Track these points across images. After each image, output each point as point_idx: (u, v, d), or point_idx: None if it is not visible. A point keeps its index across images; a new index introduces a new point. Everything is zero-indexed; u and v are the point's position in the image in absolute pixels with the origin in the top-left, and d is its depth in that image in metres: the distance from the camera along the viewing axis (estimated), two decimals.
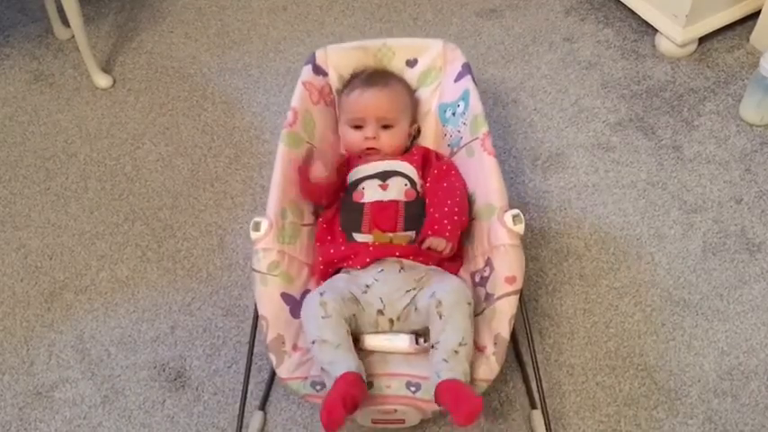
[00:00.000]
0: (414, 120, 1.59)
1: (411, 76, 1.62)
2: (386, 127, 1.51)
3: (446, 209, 1.39)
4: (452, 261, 1.40)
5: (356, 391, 1.15)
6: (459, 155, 1.51)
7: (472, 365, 1.24)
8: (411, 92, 1.61)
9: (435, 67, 1.61)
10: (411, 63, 1.62)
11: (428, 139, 1.62)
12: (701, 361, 1.47)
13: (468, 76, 1.55)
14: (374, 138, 1.49)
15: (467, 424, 1.12)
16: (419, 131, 1.61)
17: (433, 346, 1.22)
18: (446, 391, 1.16)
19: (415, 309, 1.28)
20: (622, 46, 2.05)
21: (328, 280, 1.36)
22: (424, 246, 1.36)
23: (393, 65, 1.62)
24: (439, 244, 1.35)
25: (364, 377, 1.19)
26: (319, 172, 1.41)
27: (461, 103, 1.54)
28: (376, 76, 1.55)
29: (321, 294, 1.26)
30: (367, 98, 1.50)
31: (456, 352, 1.19)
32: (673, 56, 2.01)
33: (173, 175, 1.83)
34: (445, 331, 1.21)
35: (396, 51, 1.62)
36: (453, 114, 1.56)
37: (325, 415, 1.12)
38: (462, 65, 1.57)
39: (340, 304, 1.25)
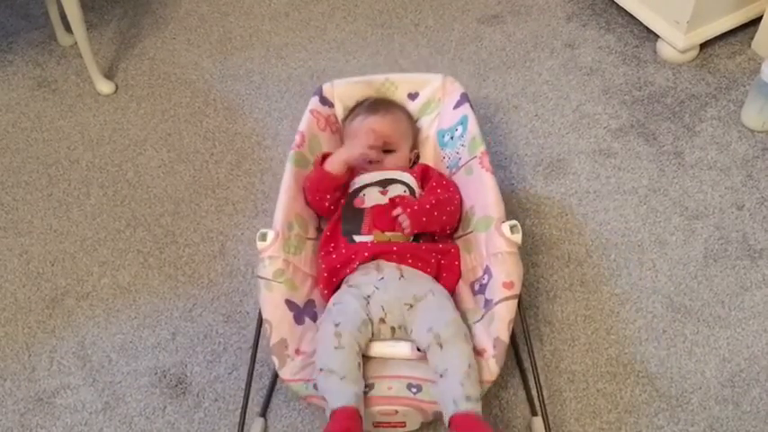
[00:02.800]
0: (414, 145, 1.64)
1: (412, 107, 1.68)
2: (388, 151, 1.56)
3: (432, 200, 1.45)
4: (450, 273, 1.44)
5: (352, 425, 1.17)
6: (459, 174, 1.56)
7: None
8: (411, 118, 1.66)
9: (435, 99, 1.67)
10: (412, 96, 1.68)
11: (427, 163, 1.66)
12: (702, 368, 1.47)
13: (467, 104, 1.60)
14: (378, 162, 1.55)
15: None
16: (418, 157, 1.66)
17: (441, 375, 1.22)
18: (462, 422, 1.17)
19: (411, 332, 1.30)
20: (624, 52, 2.05)
21: (336, 300, 1.36)
22: (394, 212, 1.43)
23: (395, 98, 1.68)
24: (404, 220, 1.41)
25: (362, 412, 1.20)
26: (338, 161, 1.48)
27: (459, 128, 1.59)
28: (378, 104, 1.61)
29: (336, 326, 1.27)
30: (370, 124, 1.56)
31: (468, 374, 1.21)
32: (674, 62, 2.01)
33: (174, 182, 1.84)
34: (452, 358, 1.22)
35: (398, 85, 1.68)
36: (452, 138, 1.61)
37: None
38: (461, 95, 1.62)
39: (356, 335, 1.26)
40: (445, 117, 1.64)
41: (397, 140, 1.57)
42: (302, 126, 1.59)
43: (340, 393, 1.20)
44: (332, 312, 1.32)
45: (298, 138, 1.56)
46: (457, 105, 1.61)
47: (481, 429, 1.16)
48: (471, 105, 1.60)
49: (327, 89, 1.66)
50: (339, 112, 1.67)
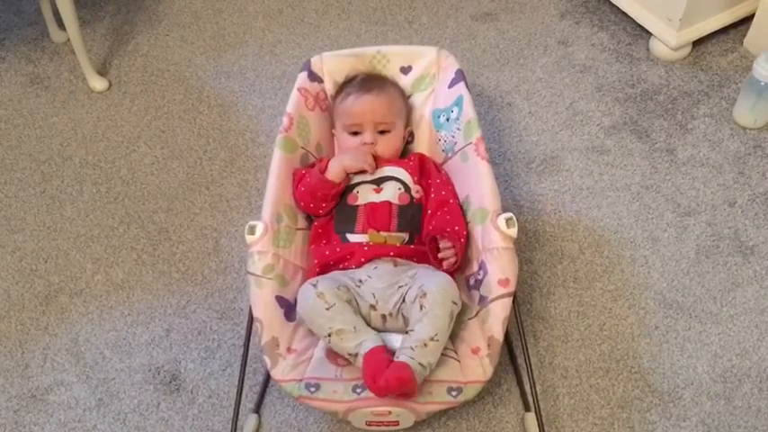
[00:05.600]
0: (407, 123, 1.60)
1: (405, 82, 1.63)
2: (383, 132, 1.52)
3: (456, 227, 1.40)
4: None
5: (389, 360, 1.20)
6: (454, 160, 1.52)
7: (466, 367, 1.26)
8: (404, 95, 1.61)
9: (429, 74, 1.62)
10: (405, 70, 1.63)
11: (422, 145, 1.63)
12: (694, 363, 1.48)
13: (462, 83, 1.56)
14: (373, 143, 1.51)
15: (379, 393, 1.17)
16: (412, 135, 1.62)
17: (407, 332, 1.25)
18: (392, 370, 1.18)
19: (403, 301, 1.30)
20: (617, 49, 2.06)
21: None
22: (441, 245, 1.37)
23: (387, 72, 1.63)
24: (452, 255, 1.36)
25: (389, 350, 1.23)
26: (338, 168, 1.44)
27: (455, 109, 1.55)
28: (370, 82, 1.55)
29: (314, 286, 1.28)
30: (363, 104, 1.51)
31: (425, 345, 1.21)
32: (667, 59, 2.01)
33: (168, 179, 1.84)
34: (422, 322, 1.23)
35: (390, 58, 1.63)
36: (447, 120, 1.57)
37: (371, 382, 1.17)
38: (456, 71, 1.58)
39: (336, 291, 1.27)
40: (440, 96, 1.59)
41: (392, 120, 1.52)
42: (290, 107, 1.53)
43: (366, 340, 1.23)
44: (310, 279, 1.34)
45: (285, 120, 1.50)
46: (452, 84, 1.57)
47: (399, 371, 1.16)
48: (467, 84, 1.55)
49: (316, 63, 1.60)
50: (329, 87, 1.61)
